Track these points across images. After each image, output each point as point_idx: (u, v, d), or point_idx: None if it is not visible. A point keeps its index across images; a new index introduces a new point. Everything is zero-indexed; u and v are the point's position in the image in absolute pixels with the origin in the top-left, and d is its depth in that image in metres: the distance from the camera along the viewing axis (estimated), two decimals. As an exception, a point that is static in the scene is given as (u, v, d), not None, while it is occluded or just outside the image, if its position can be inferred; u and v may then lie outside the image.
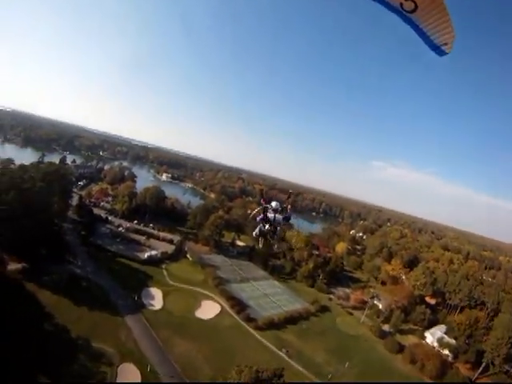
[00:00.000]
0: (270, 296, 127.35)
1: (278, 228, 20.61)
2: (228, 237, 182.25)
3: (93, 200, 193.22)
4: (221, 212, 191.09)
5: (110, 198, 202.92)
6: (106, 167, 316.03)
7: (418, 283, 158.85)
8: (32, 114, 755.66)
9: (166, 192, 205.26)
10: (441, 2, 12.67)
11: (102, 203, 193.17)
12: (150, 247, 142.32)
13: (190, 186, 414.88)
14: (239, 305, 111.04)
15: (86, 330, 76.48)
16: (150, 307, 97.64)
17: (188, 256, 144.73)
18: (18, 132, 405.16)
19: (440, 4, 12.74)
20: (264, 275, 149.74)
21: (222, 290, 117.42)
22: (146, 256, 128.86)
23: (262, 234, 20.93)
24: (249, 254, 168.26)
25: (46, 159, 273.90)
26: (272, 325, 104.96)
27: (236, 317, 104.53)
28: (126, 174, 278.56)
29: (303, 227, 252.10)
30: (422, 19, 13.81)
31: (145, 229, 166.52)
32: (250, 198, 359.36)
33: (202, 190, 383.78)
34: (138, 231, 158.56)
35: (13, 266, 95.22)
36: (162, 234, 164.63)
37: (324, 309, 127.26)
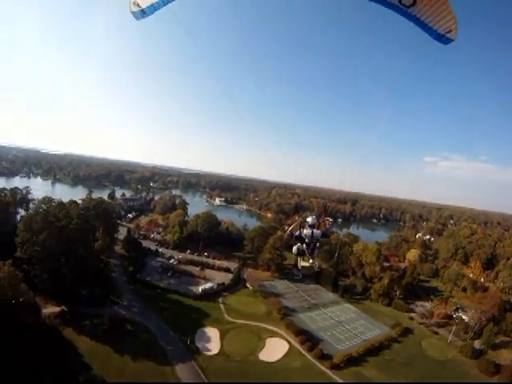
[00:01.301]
0: (345, 324, 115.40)
1: (318, 244, 20.95)
2: (290, 258, 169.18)
3: (142, 232, 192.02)
4: (280, 232, 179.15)
5: (160, 229, 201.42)
6: (157, 198, 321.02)
7: (506, 286, 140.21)
8: (83, 155, 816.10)
9: (220, 216, 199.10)
10: None
11: (152, 235, 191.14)
12: (205, 279, 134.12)
13: (244, 207, 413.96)
14: (310, 339, 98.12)
15: (128, 384, 67.77)
16: (205, 352, 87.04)
17: (248, 285, 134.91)
18: (68, 172, 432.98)
19: None
20: (334, 299, 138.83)
21: (288, 323, 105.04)
22: (200, 290, 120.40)
23: (300, 253, 21.55)
24: (316, 276, 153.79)
25: (95, 195, 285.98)
26: (350, 360, 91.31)
27: (308, 355, 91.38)
28: (176, 202, 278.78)
29: (366, 237, 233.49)
30: (422, 11, 15.76)
31: (199, 258, 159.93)
32: (308, 213, 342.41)
33: (257, 211, 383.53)
34: (191, 262, 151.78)
35: (50, 310, 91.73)
36: (217, 263, 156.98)
37: (407, 331, 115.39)
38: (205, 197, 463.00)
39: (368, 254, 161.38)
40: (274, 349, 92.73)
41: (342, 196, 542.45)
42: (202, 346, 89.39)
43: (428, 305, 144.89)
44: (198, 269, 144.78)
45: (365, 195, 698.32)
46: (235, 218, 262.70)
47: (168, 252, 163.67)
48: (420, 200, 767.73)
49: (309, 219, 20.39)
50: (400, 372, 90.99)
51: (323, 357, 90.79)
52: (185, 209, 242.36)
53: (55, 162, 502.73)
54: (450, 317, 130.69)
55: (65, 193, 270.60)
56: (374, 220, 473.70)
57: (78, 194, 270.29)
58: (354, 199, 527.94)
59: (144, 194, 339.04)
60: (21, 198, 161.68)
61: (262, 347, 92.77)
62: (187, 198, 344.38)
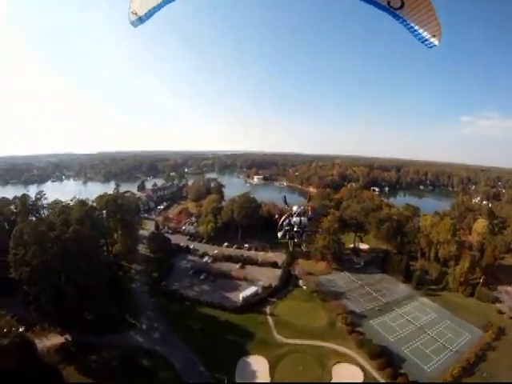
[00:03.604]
0: (428, 329, 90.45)
1: (306, 229, 22.55)
2: (348, 242, 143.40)
3: (172, 225, 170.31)
4: (334, 211, 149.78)
5: (193, 219, 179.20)
6: (190, 183, 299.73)
7: None
8: (116, 152, 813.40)
9: (260, 196, 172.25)
10: None
11: (183, 227, 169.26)
12: (247, 280, 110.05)
13: (285, 183, 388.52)
14: (390, 362, 73.99)
15: None
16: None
17: (301, 284, 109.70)
18: (99, 170, 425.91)
19: None
20: (408, 292, 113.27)
21: (360, 341, 79.31)
22: (240, 298, 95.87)
23: (290, 237, 22.94)
24: (381, 262, 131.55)
25: (125, 188, 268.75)
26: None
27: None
28: (211, 186, 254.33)
29: (417, 205, 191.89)
30: (409, 14, 16.76)
31: (238, 252, 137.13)
32: (353, 184, 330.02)
33: (299, 186, 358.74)
34: (229, 258, 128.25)
35: (51, 341, 75.27)
36: (260, 255, 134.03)
37: (499, 332, 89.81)
38: (242, 177, 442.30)
39: (441, 231, 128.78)
40: (345, 379, 68.21)
41: (384, 163, 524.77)
42: (246, 386, 64.97)
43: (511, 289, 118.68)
44: (237, 267, 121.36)
45: (405, 161, 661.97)
46: (276, 196, 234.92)
47: (201, 247, 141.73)
48: (460, 162, 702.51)
49: (295, 208, 22.71)
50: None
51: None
52: (220, 192, 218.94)
53: (87, 162, 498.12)
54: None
55: (95, 190, 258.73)
56: (421, 186, 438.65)
57: (108, 190, 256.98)
58: (397, 166, 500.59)
59: (176, 181, 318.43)
60: (31, 205, 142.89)
61: (329, 379, 67.49)
62: (224, 180, 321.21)
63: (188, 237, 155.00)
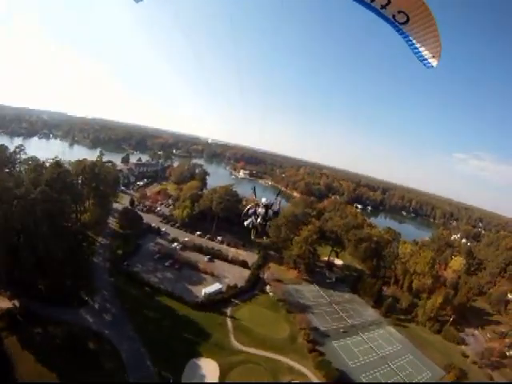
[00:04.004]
0: (390, 360, 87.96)
1: (268, 222, 23.50)
2: (324, 254, 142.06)
3: (147, 203, 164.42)
4: (314, 221, 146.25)
5: (170, 201, 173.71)
6: (176, 165, 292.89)
7: None
8: (110, 120, 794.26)
9: (242, 191, 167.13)
10: (431, 17, 15.43)
11: (158, 208, 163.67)
12: (213, 275, 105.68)
13: (270, 183, 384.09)
14: None
15: None
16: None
17: (268, 290, 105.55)
18: (87, 134, 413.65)
19: (430, 19, 15.55)
20: (376, 318, 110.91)
21: (319, 362, 75.72)
22: (203, 294, 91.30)
23: (253, 226, 23.67)
24: (353, 282, 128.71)
25: (109, 158, 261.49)
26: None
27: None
28: (196, 171, 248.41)
29: (397, 230, 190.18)
30: (413, 31, 16.75)
31: (209, 243, 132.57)
32: (338, 197, 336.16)
33: (283, 188, 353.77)
34: (199, 248, 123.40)
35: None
36: (232, 252, 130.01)
37: (461, 375, 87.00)
38: (229, 168, 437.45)
39: (419, 261, 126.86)
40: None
41: (370, 183, 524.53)
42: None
43: (478, 333, 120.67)
44: (205, 259, 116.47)
45: (391, 184, 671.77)
46: (259, 194, 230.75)
47: (173, 232, 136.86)
48: (447, 197, 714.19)
49: (263, 200, 23.13)
50: None
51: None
52: (203, 180, 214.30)
53: (77, 125, 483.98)
54: (505, 355, 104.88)
55: (79, 154, 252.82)
56: (404, 212, 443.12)
57: (92, 157, 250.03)
58: (384, 188, 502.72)
59: (162, 160, 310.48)
60: (6, 158, 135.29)
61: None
62: (210, 168, 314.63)
63: (161, 219, 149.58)
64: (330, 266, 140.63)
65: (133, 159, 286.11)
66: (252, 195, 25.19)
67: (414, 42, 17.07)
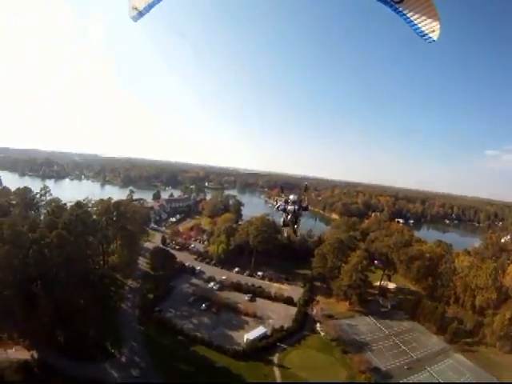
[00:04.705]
0: None
1: (299, 218, 24.79)
2: (375, 279, 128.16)
3: (180, 241, 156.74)
4: (362, 245, 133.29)
5: (205, 236, 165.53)
6: (208, 198, 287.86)
7: None
8: (142, 159, 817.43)
9: (279, 219, 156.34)
10: None
11: (192, 244, 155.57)
12: (256, 317, 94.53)
13: None
14: None
15: None
16: None
17: (319, 329, 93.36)
18: (118, 173, 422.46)
19: None
20: (441, 346, 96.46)
21: None
22: (245, 340, 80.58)
23: (285, 224, 25.21)
24: (411, 307, 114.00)
25: (140, 195, 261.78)
26: None
27: None
28: (230, 203, 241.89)
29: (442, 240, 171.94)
30: (409, 9, 17.42)
31: (249, 280, 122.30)
32: (378, 214, 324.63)
33: (321, 211, 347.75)
34: (238, 287, 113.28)
35: (15, 355, 65.49)
36: (274, 287, 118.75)
37: None
38: (263, 197, 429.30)
39: (480, 274, 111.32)
40: None
41: (407, 194, 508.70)
42: None
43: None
44: (246, 298, 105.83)
45: (427, 193, 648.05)
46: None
47: (209, 270, 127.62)
48: (485, 197, 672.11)
49: (291, 197, 24.29)
50: None
51: None
52: (238, 211, 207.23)
53: (109, 165, 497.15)
54: None
55: (111, 194, 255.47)
56: (446, 220, 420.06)
57: (123, 195, 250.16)
58: (422, 198, 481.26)
59: (194, 194, 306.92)
60: (30, 200, 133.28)
61: None
62: (244, 198, 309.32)
63: (196, 256, 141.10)
64: (384, 291, 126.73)
65: (165, 195, 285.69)
66: (280, 193, 25.33)
67: (412, 18, 17.61)
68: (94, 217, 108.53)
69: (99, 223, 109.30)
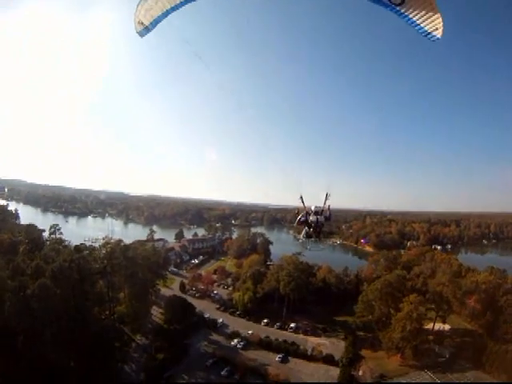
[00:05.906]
0: None
1: (322, 228, 24.81)
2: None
3: (201, 287, 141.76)
4: (409, 284, 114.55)
5: (229, 280, 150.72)
6: (234, 237, 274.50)
7: None
8: (167, 197, 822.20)
9: (311, 255, 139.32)
10: None
11: (215, 291, 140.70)
12: (289, 384, 77.05)
13: (338, 242, 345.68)
14: None
15: None
16: None
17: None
18: (141, 212, 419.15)
19: None
20: None
21: None
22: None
23: (308, 236, 25.38)
24: (473, 353, 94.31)
25: (161, 235, 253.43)
26: None
27: None
28: (257, 241, 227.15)
29: (478, 264, 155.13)
30: (410, 10, 17.75)
31: (280, 334, 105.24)
32: (414, 243, 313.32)
33: (353, 245, 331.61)
34: (267, 345, 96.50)
35: None
36: (311, 342, 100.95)
37: None
38: (292, 232, 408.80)
39: None
40: None
41: (438, 217, 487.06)
42: None
43: None
44: (277, 359, 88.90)
45: (466, 213, 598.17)
46: (331, 257, 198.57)
47: (232, 322, 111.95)
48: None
49: (313, 207, 24.36)
50: None
51: None
52: (266, 251, 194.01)
53: (133, 203, 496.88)
54: None
55: (131, 233, 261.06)
56: (484, 241, 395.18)
57: (144, 234, 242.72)
58: (456, 220, 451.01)
59: (219, 233, 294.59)
60: (33, 239, 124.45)
61: None
62: (272, 235, 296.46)
63: (218, 305, 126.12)
64: (439, 337, 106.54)
65: (188, 234, 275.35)
66: (301, 204, 24.87)
67: (414, 19, 18.00)
68: (97, 262, 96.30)
69: (105, 268, 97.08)
